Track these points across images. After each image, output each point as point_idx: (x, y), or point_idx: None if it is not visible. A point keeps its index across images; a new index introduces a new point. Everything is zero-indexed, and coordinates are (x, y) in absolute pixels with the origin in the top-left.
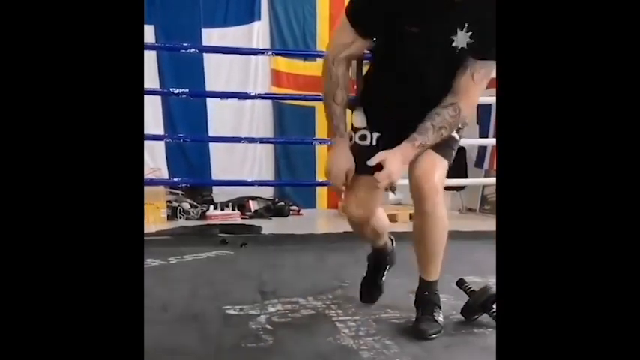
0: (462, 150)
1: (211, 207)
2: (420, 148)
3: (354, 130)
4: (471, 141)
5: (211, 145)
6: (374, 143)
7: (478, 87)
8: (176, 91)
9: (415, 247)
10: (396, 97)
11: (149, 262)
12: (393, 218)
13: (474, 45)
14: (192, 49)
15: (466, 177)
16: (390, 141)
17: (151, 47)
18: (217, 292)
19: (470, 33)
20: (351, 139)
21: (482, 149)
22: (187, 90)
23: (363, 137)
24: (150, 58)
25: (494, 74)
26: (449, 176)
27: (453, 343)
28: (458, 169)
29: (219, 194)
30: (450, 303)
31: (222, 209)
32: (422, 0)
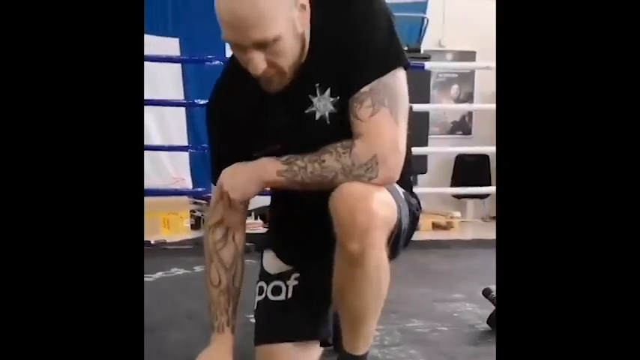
0: (485, 158)
1: None
2: (287, 170)
3: (265, 279)
4: (494, 148)
5: None
6: (289, 295)
7: (374, 121)
8: (201, 102)
9: (336, 305)
10: (305, 216)
11: (173, 271)
12: None
13: (343, 93)
14: (217, 61)
15: (490, 185)
16: (316, 275)
17: (176, 60)
18: (241, 300)
19: (328, 90)
20: (261, 292)
21: None
22: None
23: (277, 290)
24: (175, 71)
25: (398, 83)
26: (472, 184)
27: (479, 353)
28: (482, 176)
29: None
30: (476, 312)
31: None
32: (258, 111)
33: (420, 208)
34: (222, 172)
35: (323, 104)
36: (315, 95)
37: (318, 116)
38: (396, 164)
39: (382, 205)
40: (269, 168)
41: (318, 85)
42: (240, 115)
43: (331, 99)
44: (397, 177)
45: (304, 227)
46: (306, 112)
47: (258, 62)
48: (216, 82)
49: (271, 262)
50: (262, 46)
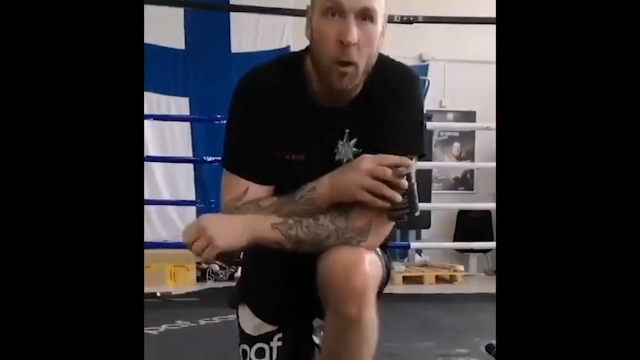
0: (487, 213)
1: (239, 268)
2: (282, 223)
3: (247, 341)
4: (495, 205)
5: None
6: (274, 357)
7: None
8: (209, 159)
9: None
10: (285, 270)
11: (179, 323)
12: (419, 280)
13: (365, 149)
14: (225, 120)
15: (492, 240)
16: (299, 333)
17: (185, 118)
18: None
19: (354, 140)
20: (245, 356)
21: None
22: (220, 158)
23: (260, 353)
24: (184, 128)
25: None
26: (474, 238)
27: None
28: (484, 231)
29: None
30: None
31: None
32: (296, 115)
33: (392, 265)
34: (208, 216)
35: (345, 150)
36: (342, 140)
37: (337, 158)
38: (386, 233)
39: (373, 267)
40: (263, 221)
41: (347, 131)
42: (278, 113)
43: (354, 149)
44: (379, 244)
45: (283, 282)
46: (332, 148)
47: (354, 31)
48: (263, 68)
49: (249, 321)
50: (364, 16)
